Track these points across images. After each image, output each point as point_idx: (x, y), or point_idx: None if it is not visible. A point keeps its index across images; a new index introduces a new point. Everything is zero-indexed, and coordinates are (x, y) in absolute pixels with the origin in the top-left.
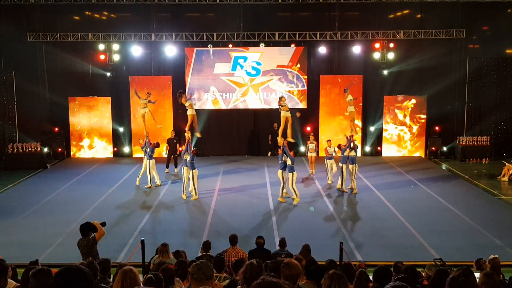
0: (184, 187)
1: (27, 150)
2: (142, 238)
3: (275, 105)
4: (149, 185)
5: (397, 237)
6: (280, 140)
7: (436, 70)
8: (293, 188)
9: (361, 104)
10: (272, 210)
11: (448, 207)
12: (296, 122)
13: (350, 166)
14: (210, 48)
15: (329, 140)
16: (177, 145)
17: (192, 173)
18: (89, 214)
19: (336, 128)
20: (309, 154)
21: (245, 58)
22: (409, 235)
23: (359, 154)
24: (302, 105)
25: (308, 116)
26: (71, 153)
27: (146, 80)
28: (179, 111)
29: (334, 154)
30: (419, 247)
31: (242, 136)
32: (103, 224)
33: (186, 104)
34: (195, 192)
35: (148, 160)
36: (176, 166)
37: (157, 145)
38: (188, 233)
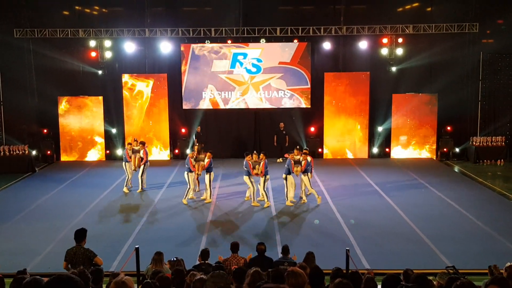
0: (187, 192)
1: (14, 153)
2: (137, 246)
3: (276, 105)
4: (140, 189)
5: (406, 243)
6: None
7: (447, 66)
8: (264, 191)
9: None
10: (274, 215)
11: (461, 211)
12: (298, 121)
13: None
14: (208, 44)
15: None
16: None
17: (210, 175)
18: (80, 220)
19: (342, 128)
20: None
21: (245, 55)
22: (419, 242)
23: (366, 155)
24: (306, 104)
25: (312, 116)
26: (61, 156)
27: (140, 79)
28: (174, 110)
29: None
30: (430, 254)
31: (242, 137)
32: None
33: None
34: (210, 195)
35: (143, 165)
36: None
37: (143, 143)
38: (185, 240)
